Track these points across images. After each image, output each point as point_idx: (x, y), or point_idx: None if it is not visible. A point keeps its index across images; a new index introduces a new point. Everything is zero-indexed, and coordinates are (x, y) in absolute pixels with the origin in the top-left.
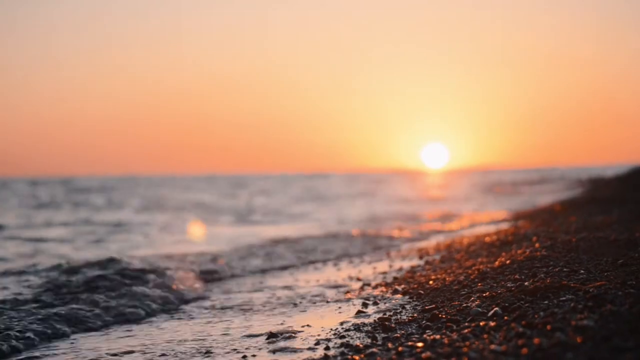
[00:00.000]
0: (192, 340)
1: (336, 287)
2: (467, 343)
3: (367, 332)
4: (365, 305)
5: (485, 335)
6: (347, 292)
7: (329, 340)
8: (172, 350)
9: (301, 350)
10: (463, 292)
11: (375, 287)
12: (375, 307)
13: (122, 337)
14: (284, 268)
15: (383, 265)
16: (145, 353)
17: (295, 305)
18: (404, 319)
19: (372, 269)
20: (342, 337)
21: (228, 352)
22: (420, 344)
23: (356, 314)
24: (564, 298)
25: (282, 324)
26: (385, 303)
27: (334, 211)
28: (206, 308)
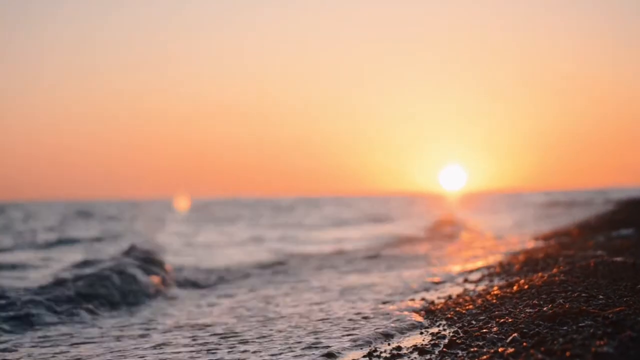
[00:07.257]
0: None
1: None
2: None
3: (383, 358)
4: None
5: None
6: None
7: None
8: None
9: None
10: (481, 318)
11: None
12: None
13: None
14: None
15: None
16: None
17: None
18: None
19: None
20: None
21: None
22: None
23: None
24: (583, 324)
25: None
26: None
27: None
28: None
